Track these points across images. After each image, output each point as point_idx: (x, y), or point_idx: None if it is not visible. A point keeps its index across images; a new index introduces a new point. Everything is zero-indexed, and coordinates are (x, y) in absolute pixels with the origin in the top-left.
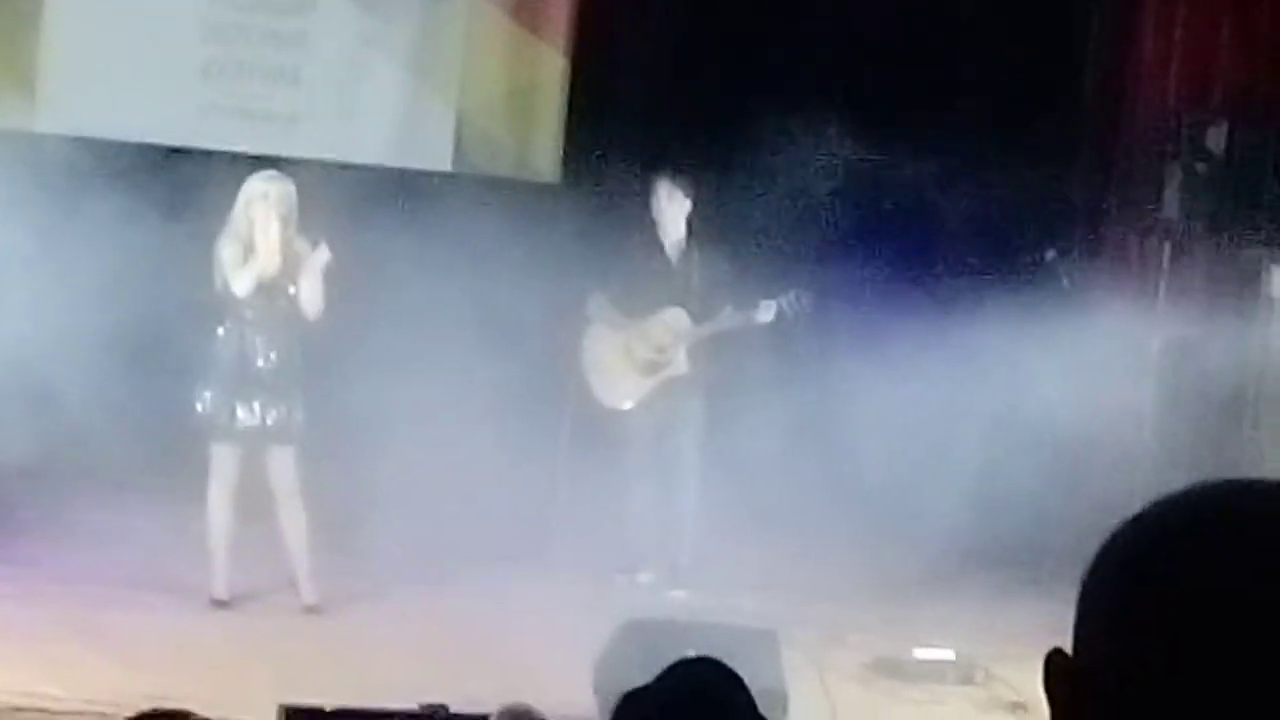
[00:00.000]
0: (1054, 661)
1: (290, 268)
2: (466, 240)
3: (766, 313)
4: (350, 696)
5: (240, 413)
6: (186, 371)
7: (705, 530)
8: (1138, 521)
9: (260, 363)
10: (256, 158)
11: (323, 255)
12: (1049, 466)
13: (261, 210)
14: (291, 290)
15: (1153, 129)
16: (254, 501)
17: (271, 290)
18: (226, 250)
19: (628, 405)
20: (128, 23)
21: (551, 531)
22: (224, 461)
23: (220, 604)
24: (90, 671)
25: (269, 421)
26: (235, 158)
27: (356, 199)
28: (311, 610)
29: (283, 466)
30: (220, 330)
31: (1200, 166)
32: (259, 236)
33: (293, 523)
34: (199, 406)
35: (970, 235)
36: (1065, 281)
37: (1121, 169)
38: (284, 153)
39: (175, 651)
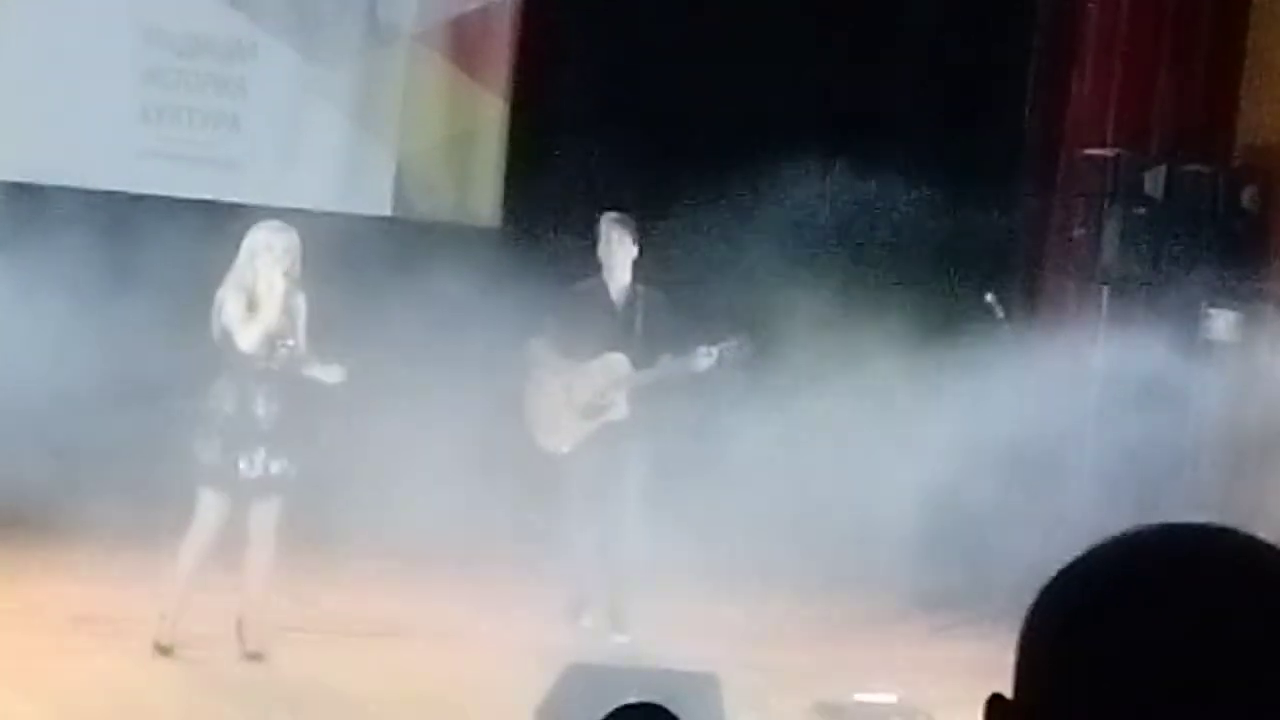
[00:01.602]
0: (994, 705)
1: (290, 319)
2: (407, 285)
3: (706, 360)
4: None
5: (242, 464)
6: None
7: (647, 574)
8: (1076, 566)
9: (261, 413)
10: (199, 202)
11: (303, 310)
12: (989, 510)
13: (266, 262)
14: (291, 342)
15: (1091, 172)
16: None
17: (272, 342)
18: (230, 303)
19: (567, 449)
20: (65, 66)
21: (494, 576)
22: (210, 509)
23: (164, 650)
24: None
25: (270, 472)
26: (177, 202)
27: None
28: (253, 657)
29: (266, 515)
30: (219, 381)
31: (1139, 210)
32: (262, 289)
33: (258, 568)
34: (199, 455)
35: (910, 279)
36: (1006, 325)
37: (1060, 212)
38: (225, 197)
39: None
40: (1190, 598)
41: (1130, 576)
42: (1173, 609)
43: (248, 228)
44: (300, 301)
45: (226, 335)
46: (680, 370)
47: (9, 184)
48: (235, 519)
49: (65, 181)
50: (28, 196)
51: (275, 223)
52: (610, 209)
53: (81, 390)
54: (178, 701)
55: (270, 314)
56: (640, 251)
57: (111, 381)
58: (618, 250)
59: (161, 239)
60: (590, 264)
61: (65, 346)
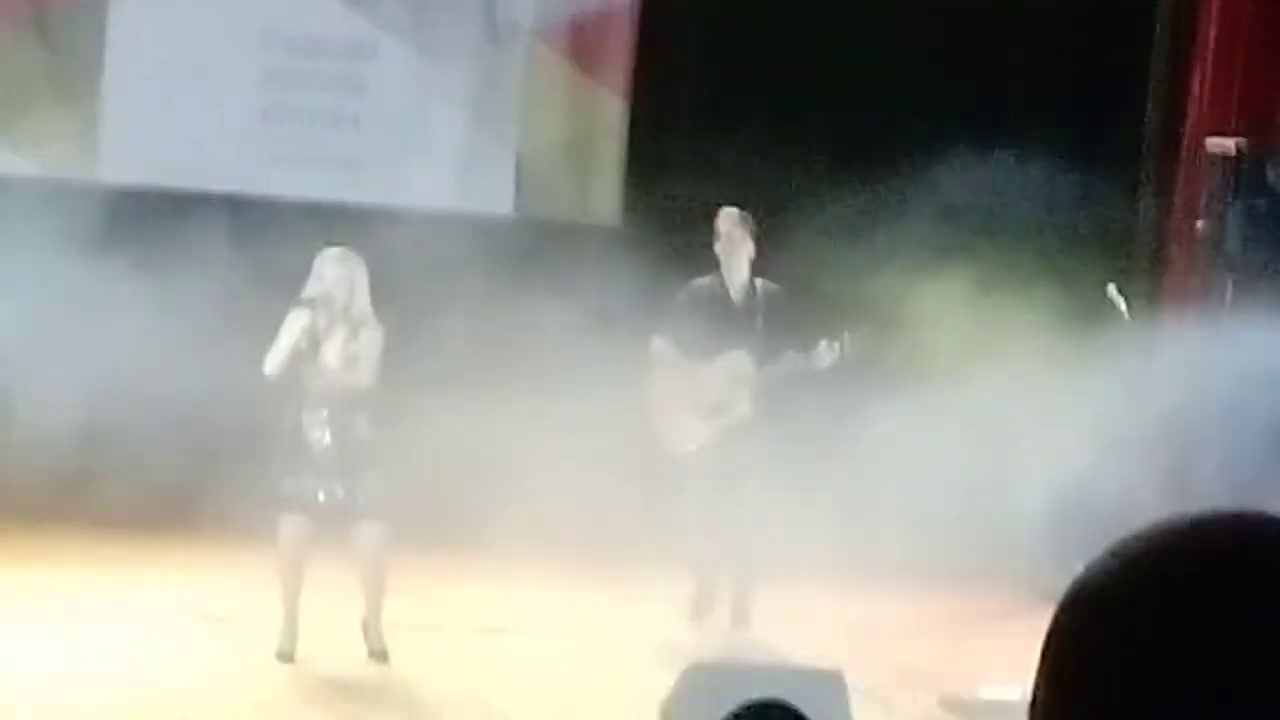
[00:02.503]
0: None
1: (352, 346)
2: (527, 284)
3: (829, 354)
4: None
5: (305, 490)
6: (253, 434)
7: (770, 571)
8: (1127, 562)
9: (329, 438)
10: (315, 203)
11: (379, 335)
12: (1118, 502)
13: (321, 291)
14: (360, 366)
15: (1213, 164)
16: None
17: (340, 365)
18: (286, 324)
19: (691, 449)
20: (188, 70)
21: (618, 574)
22: (288, 535)
23: (285, 657)
24: None
25: (335, 500)
26: (299, 205)
27: (417, 244)
28: (378, 657)
29: (363, 543)
30: (293, 403)
31: (1260, 200)
32: (319, 319)
33: (372, 581)
34: (273, 478)
35: (1032, 271)
36: (1129, 317)
37: (1182, 204)
38: (345, 198)
39: (240, 699)
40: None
41: (1206, 567)
42: (1248, 600)
43: (367, 228)
44: (365, 333)
45: (300, 356)
46: (803, 366)
47: (133, 188)
48: (338, 537)
49: (188, 184)
50: (153, 200)
51: (335, 251)
52: (729, 205)
53: (210, 391)
54: (304, 702)
55: (279, 351)
56: (759, 248)
57: (241, 383)
58: (737, 247)
59: (284, 240)
60: (710, 262)
61: (196, 348)
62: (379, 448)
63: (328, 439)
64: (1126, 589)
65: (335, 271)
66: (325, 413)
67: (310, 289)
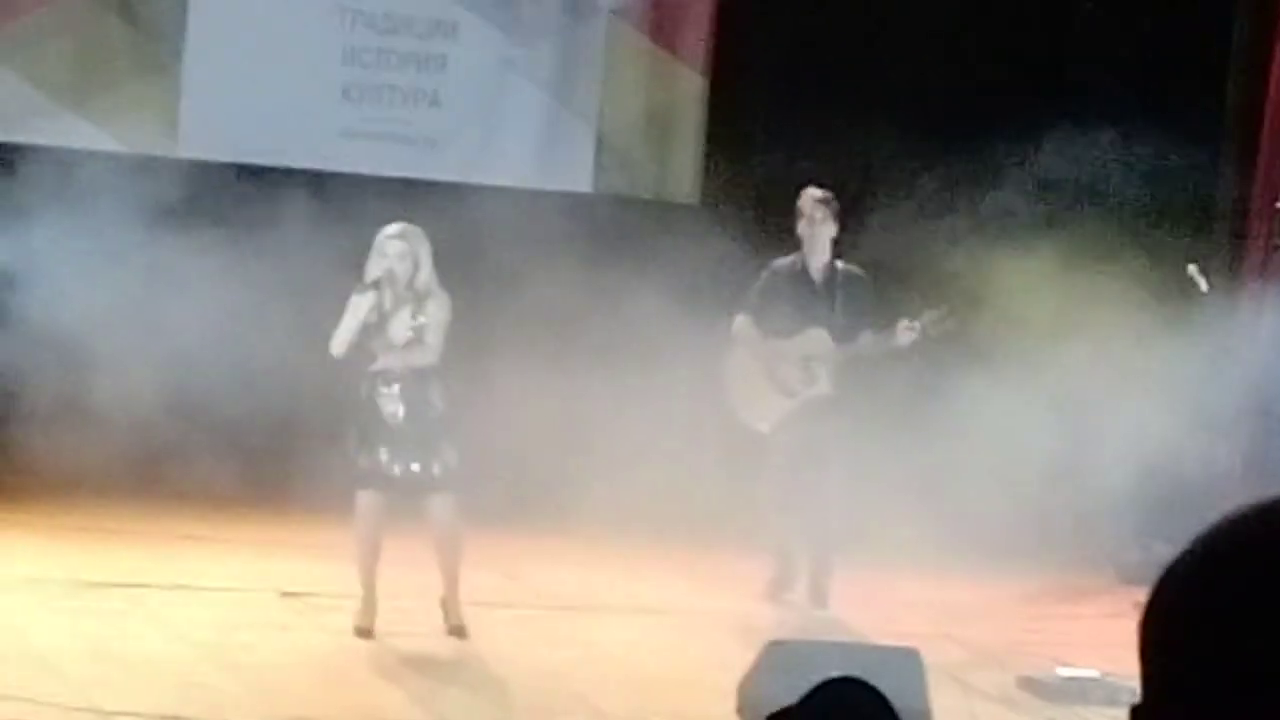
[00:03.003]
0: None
1: (419, 321)
2: (607, 262)
3: (909, 334)
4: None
5: (381, 464)
6: (333, 410)
7: (849, 550)
8: (1225, 546)
9: (400, 415)
10: (394, 180)
11: (442, 307)
12: (1202, 485)
13: (383, 268)
14: (428, 340)
15: None
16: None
17: (407, 339)
18: (351, 306)
19: (769, 426)
20: (269, 47)
21: (697, 552)
22: (365, 511)
23: (364, 632)
24: (229, 696)
25: (410, 473)
26: (377, 181)
27: (497, 220)
28: (456, 633)
29: (438, 517)
30: (366, 378)
31: None
32: (384, 295)
33: (448, 555)
34: (346, 454)
35: (1113, 248)
36: (1209, 296)
37: (1264, 183)
38: (424, 175)
39: (319, 676)
40: None
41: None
42: None
43: (447, 205)
44: (431, 305)
45: (366, 333)
46: (883, 345)
47: (219, 164)
48: (416, 511)
49: (271, 161)
50: (237, 177)
51: (395, 227)
52: (812, 185)
53: (289, 368)
54: (381, 678)
55: (344, 333)
56: (842, 228)
57: (319, 360)
58: (819, 227)
59: (365, 217)
60: (791, 241)
61: (276, 325)
62: (452, 420)
63: (401, 413)
64: (1220, 563)
65: (398, 248)
66: (397, 387)
67: (373, 268)
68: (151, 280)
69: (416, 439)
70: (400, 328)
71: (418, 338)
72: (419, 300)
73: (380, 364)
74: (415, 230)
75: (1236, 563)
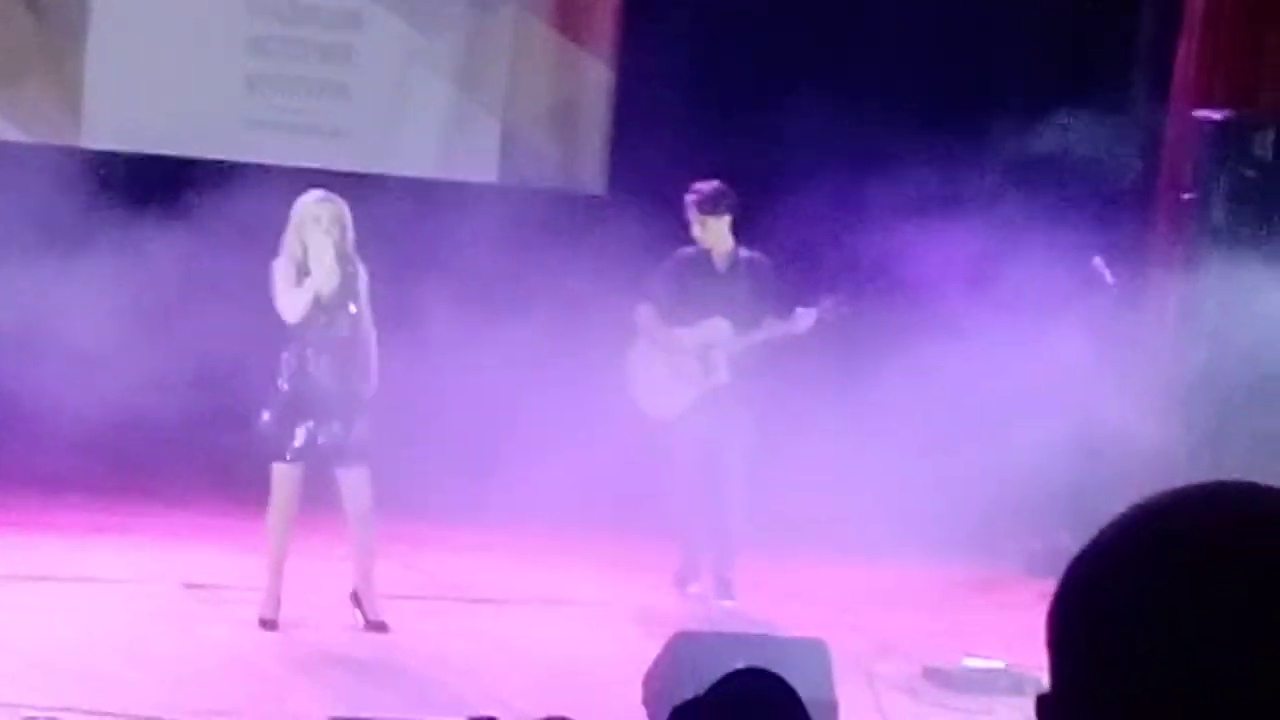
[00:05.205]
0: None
1: (347, 288)
2: (513, 252)
3: (806, 320)
4: (399, 711)
5: (301, 434)
6: (240, 389)
7: (753, 540)
8: (1123, 540)
9: (324, 384)
10: (301, 170)
11: (363, 278)
12: (1103, 473)
13: (315, 234)
14: (352, 310)
15: (1199, 134)
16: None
17: (331, 311)
18: (279, 275)
19: (672, 415)
20: (172, 38)
21: (601, 543)
22: (283, 482)
23: (268, 624)
24: (138, 689)
25: (331, 442)
26: (282, 171)
27: (403, 211)
28: (375, 627)
29: (354, 488)
30: (284, 353)
31: (1248, 171)
32: (313, 262)
33: (361, 539)
34: (260, 428)
35: (1015, 239)
36: (1113, 289)
37: (1168, 175)
38: (330, 166)
39: (226, 669)
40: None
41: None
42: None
43: (354, 196)
44: (359, 270)
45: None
46: (781, 331)
47: (117, 153)
48: (327, 492)
49: (176, 151)
50: (135, 166)
51: (319, 192)
52: (713, 174)
53: (191, 359)
54: (289, 670)
55: (322, 285)
56: (743, 217)
57: (220, 350)
58: (710, 229)
59: (268, 207)
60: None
61: (175, 316)
62: (366, 392)
63: (330, 381)
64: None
65: (330, 211)
66: (326, 356)
67: (293, 236)
68: (54, 271)
69: (342, 408)
70: (303, 298)
71: (345, 303)
72: (345, 266)
73: (310, 331)
74: (336, 197)
75: (1141, 555)
